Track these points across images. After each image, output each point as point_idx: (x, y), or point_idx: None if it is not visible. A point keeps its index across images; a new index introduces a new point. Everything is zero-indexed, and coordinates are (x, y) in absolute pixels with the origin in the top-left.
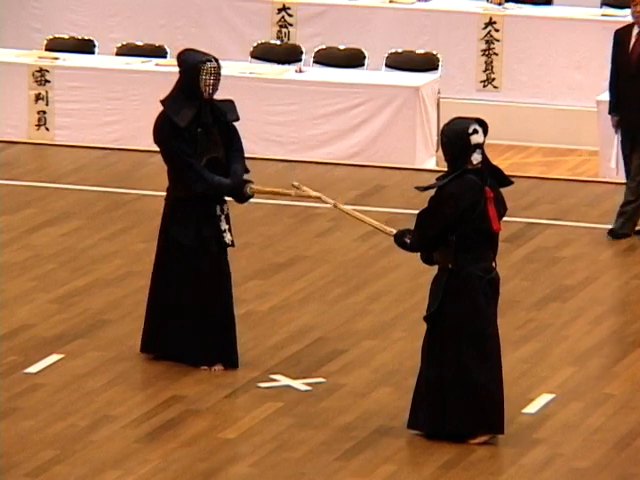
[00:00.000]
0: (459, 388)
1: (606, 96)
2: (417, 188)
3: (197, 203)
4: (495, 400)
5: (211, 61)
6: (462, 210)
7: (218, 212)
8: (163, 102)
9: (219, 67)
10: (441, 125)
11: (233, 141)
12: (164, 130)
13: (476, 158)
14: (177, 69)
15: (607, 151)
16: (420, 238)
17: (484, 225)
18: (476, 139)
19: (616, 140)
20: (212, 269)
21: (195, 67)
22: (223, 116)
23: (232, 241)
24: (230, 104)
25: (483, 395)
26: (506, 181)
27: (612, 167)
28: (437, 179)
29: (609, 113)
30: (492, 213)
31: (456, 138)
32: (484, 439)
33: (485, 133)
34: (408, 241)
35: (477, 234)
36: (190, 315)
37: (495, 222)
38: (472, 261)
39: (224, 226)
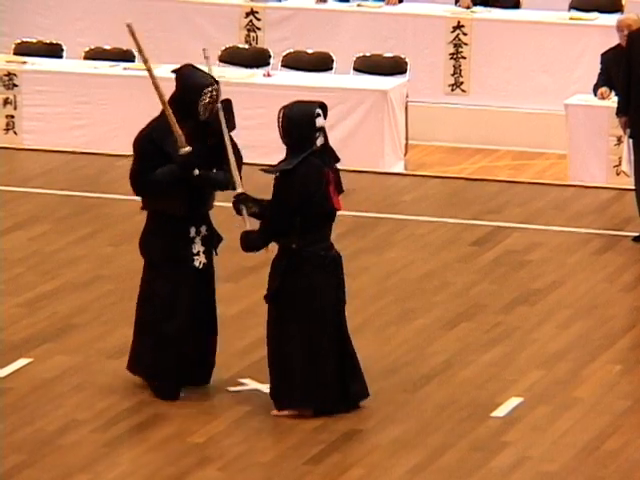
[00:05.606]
0: (299, 365)
1: (574, 99)
2: (263, 170)
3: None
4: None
5: (213, 84)
6: (309, 194)
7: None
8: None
9: (219, 89)
10: (409, 129)
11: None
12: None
13: (320, 141)
14: (145, 73)
15: (575, 154)
16: (274, 227)
17: (326, 206)
18: (320, 122)
19: (625, 142)
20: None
21: (196, 90)
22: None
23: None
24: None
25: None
26: (337, 159)
27: (624, 169)
28: (280, 162)
29: (617, 114)
30: (333, 194)
31: (304, 121)
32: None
33: (325, 117)
34: (254, 235)
35: (319, 215)
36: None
37: (337, 202)
38: (314, 241)
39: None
